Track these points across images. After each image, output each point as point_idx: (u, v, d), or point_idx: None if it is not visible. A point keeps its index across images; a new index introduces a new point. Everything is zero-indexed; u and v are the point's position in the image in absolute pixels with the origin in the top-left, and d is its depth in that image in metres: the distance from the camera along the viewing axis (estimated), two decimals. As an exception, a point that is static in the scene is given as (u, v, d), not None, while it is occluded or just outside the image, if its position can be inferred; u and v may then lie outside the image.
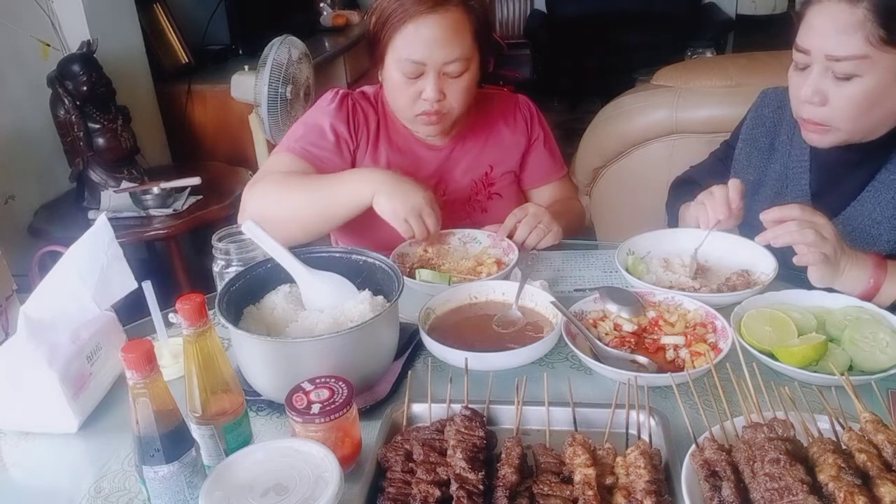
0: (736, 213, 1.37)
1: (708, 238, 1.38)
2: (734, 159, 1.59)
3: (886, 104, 1.26)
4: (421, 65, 1.43)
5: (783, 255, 1.30)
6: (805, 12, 1.27)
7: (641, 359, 1.11)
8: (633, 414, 0.94)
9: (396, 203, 1.36)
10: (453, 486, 0.82)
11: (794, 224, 1.18)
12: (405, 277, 1.33)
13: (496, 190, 1.70)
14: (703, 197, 1.40)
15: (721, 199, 1.36)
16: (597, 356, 1.12)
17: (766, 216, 1.22)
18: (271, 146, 3.00)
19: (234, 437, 0.93)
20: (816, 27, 1.25)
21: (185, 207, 2.60)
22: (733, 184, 1.37)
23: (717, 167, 1.63)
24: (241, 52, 3.68)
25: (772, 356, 1.08)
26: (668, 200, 1.73)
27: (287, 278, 1.16)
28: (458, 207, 1.65)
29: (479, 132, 1.68)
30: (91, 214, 2.54)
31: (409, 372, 1.14)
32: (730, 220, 1.38)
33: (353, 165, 1.60)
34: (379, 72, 1.55)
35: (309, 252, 1.19)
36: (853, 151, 1.33)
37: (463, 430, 0.89)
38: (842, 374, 0.96)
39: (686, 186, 1.66)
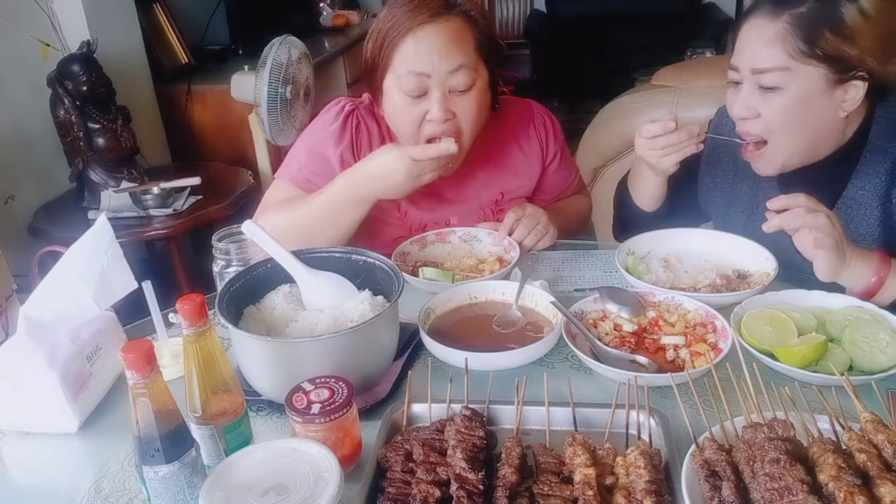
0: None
1: (709, 238, 1.41)
2: (700, 182, 1.58)
3: (817, 118, 1.27)
4: (424, 76, 1.35)
5: (783, 255, 1.29)
6: (738, 32, 1.31)
7: (641, 359, 1.11)
8: (633, 414, 0.94)
9: (393, 192, 1.37)
10: (453, 486, 0.82)
11: (803, 209, 1.17)
12: (409, 276, 1.34)
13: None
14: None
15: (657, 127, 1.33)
16: (597, 356, 1.12)
17: (773, 204, 1.21)
18: (271, 146, 3.00)
19: (234, 437, 0.93)
20: (744, 43, 1.29)
21: (185, 207, 2.60)
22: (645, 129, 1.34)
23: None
24: (240, 52, 3.69)
25: (772, 356, 1.08)
26: (617, 198, 1.67)
27: (287, 278, 1.16)
28: None
29: (490, 153, 1.58)
30: (91, 214, 2.54)
31: (409, 372, 1.13)
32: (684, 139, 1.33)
33: None
34: (379, 103, 1.47)
35: (309, 252, 1.19)
36: (815, 171, 1.34)
37: (463, 430, 0.89)
38: (842, 374, 0.96)
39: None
